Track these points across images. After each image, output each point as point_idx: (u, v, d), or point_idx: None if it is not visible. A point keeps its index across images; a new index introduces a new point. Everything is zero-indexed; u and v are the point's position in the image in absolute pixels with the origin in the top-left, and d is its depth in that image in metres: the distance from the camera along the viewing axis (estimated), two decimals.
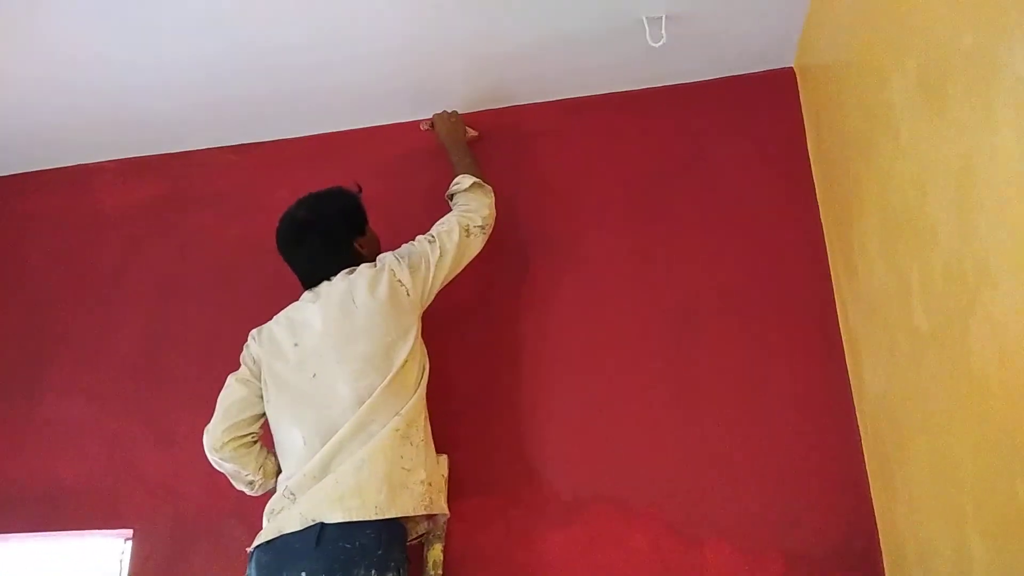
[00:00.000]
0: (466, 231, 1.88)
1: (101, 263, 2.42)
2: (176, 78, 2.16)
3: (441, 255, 1.84)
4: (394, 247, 1.97)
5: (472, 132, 2.22)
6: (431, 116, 2.21)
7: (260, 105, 2.30)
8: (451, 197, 2.00)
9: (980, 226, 1.10)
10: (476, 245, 1.90)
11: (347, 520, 1.56)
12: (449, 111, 2.19)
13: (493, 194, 1.98)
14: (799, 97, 2.17)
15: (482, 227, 1.91)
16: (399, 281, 1.78)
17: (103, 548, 2.18)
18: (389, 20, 1.97)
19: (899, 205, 1.42)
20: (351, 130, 2.40)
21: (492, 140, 2.26)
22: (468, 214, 1.90)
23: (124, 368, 2.28)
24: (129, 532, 2.12)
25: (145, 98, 2.25)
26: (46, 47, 2.03)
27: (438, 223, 1.91)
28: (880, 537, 1.73)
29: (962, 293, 1.18)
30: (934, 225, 1.26)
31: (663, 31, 1.97)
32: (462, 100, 2.28)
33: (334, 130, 2.41)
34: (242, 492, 1.87)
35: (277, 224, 1.94)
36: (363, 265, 1.83)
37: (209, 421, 1.86)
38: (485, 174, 2.04)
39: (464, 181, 1.97)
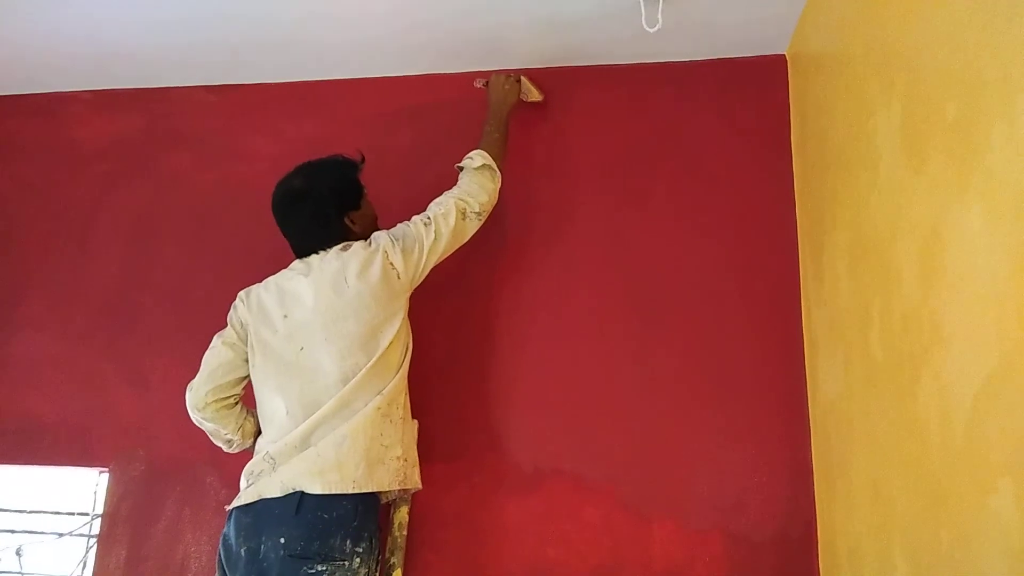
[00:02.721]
0: (462, 215, 1.88)
1: (75, 198, 2.40)
2: (158, 14, 2.08)
3: (436, 239, 1.85)
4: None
5: (536, 96, 2.18)
6: (487, 76, 2.16)
7: (244, 48, 2.24)
8: (460, 169, 1.98)
9: (940, 288, 1.16)
10: (471, 229, 1.91)
11: (326, 492, 1.64)
12: (509, 75, 2.14)
13: (500, 180, 1.96)
14: (788, 86, 2.17)
15: (479, 213, 1.91)
16: (391, 264, 1.80)
17: (78, 479, 2.25)
18: None
19: (871, 236, 1.47)
20: (336, 80, 2.37)
21: (477, 103, 2.24)
22: (467, 198, 1.90)
23: (99, 307, 2.30)
24: (104, 467, 2.18)
25: (124, 31, 2.17)
26: None
27: (436, 203, 1.91)
28: (818, 529, 1.86)
29: (916, 343, 1.24)
30: (900, 270, 1.31)
31: (659, 15, 1.95)
32: (449, 59, 2.25)
33: (319, 78, 2.37)
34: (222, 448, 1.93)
35: (275, 187, 1.91)
36: (357, 244, 1.83)
37: (182, 368, 1.91)
38: (505, 154, 2.03)
39: (476, 160, 1.95)
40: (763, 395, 1.97)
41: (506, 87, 2.12)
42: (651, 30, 1.96)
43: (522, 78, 2.16)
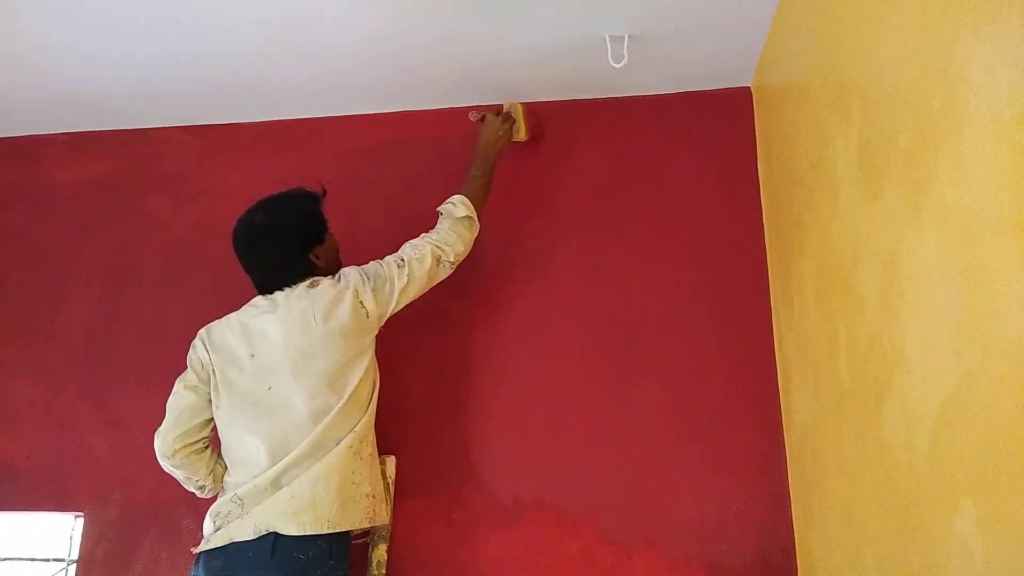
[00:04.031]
0: (437, 261, 1.89)
1: (52, 240, 2.41)
2: (133, 56, 2.11)
3: (408, 282, 1.85)
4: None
5: (521, 135, 2.17)
6: (486, 110, 2.16)
7: (219, 88, 2.27)
8: (440, 213, 1.98)
9: (900, 313, 1.18)
10: (443, 275, 1.92)
11: (302, 534, 1.63)
12: (508, 110, 2.14)
13: (477, 230, 1.97)
14: (754, 117, 2.22)
15: (452, 262, 1.92)
16: (360, 303, 1.80)
17: (54, 524, 2.22)
18: (354, 16, 1.94)
19: (834, 263, 1.50)
20: (310, 119, 2.39)
21: (448, 139, 2.27)
22: (444, 247, 1.90)
23: (74, 349, 2.29)
24: (79, 512, 2.16)
25: (100, 74, 2.20)
26: None
27: (411, 245, 1.90)
28: (797, 556, 1.86)
29: (881, 367, 1.26)
30: (862, 296, 1.34)
31: (625, 51, 1.99)
32: (420, 96, 2.29)
33: (293, 117, 2.40)
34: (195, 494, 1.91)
35: (236, 222, 1.92)
36: (325, 280, 1.83)
37: (158, 410, 1.89)
38: (487, 197, 2.04)
39: (459, 209, 1.95)
40: (739, 422, 1.99)
41: (500, 132, 2.11)
42: (617, 66, 2.00)
43: (515, 115, 2.16)
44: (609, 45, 1.99)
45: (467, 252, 1.95)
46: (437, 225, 1.95)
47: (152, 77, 2.20)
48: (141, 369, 2.24)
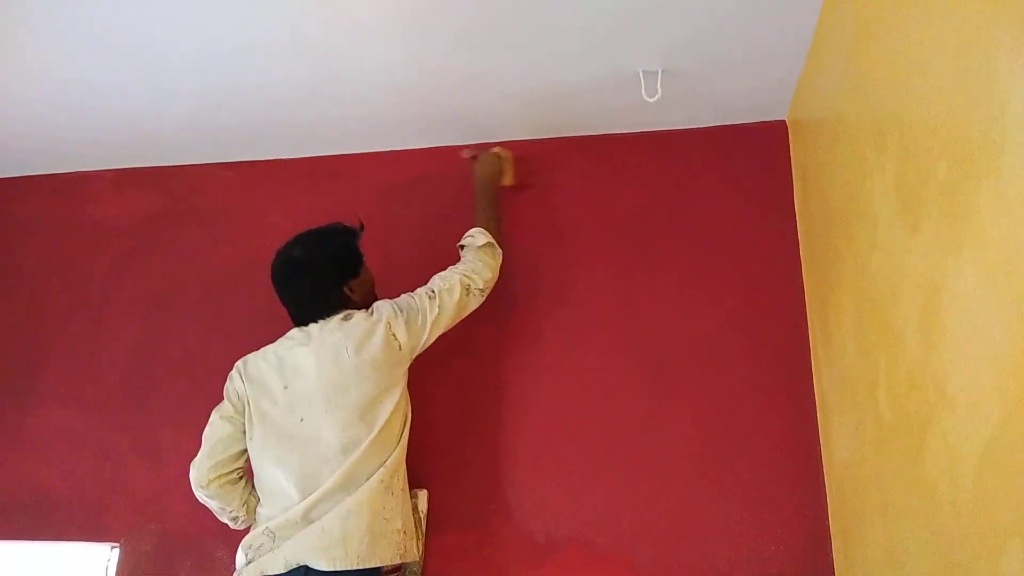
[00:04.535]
0: (467, 291, 1.91)
1: (94, 274, 2.46)
2: (176, 102, 2.18)
3: (440, 312, 1.86)
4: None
5: (508, 179, 2.19)
6: (478, 149, 2.20)
7: (259, 128, 2.32)
8: (461, 247, 2.02)
9: (942, 349, 1.15)
10: (473, 304, 1.94)
11: (332, 569, 1.62)
12: (499, 153, 2.18)
13: (501, 257, 2.00)
14: (790, 150, 2.21)
15: (482, 290, 1.94)
16: (393, 335, 1.81)
17: (89, 554, 2.24)
18: (386, 55, 1.98)
19: (873, 296, 1.47)
20: (347, 154, 2.43)
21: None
22: (472, 275, 1.92)
23: (114, 381, 2.33)
24: (115, 543, 2.18)
25: (144, 118, 2.27)
26: (44, 67, 2.04)
27: (440, 276, 1.93)
28: None
29: (922, 403, 1.23)
30: (902, 329, 1.31)
31: (659, 86, 2.00)
32: (453, 131, 2.31)
33: (331, 153, 2.44)
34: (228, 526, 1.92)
35: (274, 255, 1.95)
36: (359, 314, 1.85)
37: (195, 442, 1.91)
38: (500, 228, 2.06)
39: (479, 238, 1.98)
40: (777, 459, 1.95)
41: (494, 165, 2.15)
42: (651, 100, 2.00)
43: (509, 159, 2.19)
44: (643, 79, 2.00)
45: (495, 279, 1.97)
46: (462, 257, 1.98)
47: (193, 114, 2.25)
48: (179, 401, 2.27)
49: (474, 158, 2.19)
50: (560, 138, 2.31)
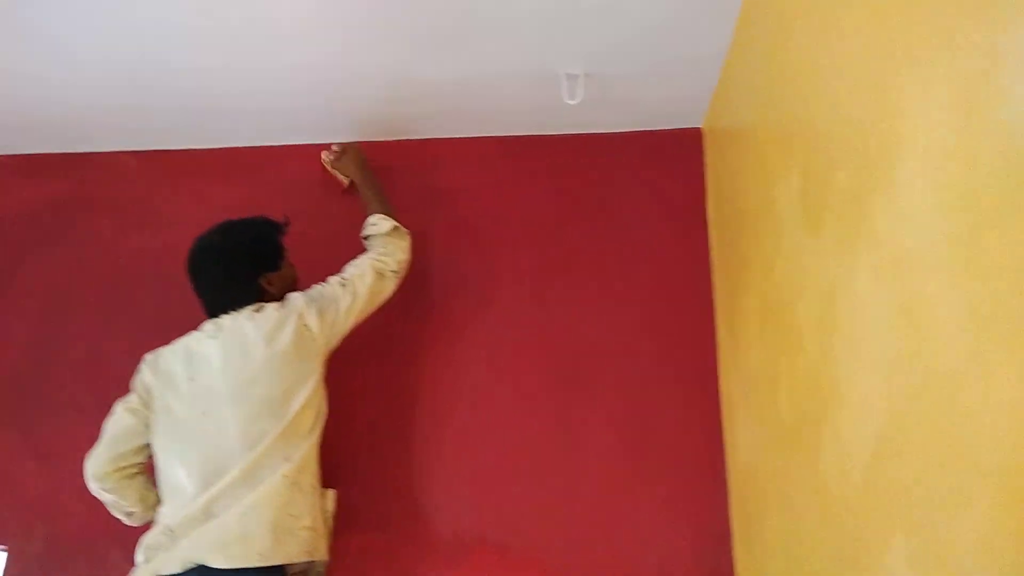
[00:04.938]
0: (380, 275, 1.89)
1: None
2: (83, 88, 2.08)
3: (353, 300, 1.84)
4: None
5: (342, 179, 2.21)
6: (335, 146, 2.18)
7: (171, 116, 2.24)
8: (367, 238, 1.99)
9: (837, 349, 1.19)
10: (389, 290, 1.92)
11: (229, 567, 1.57)
12: (344, 147, 2.17)
13: (409, 237, 1.99)
14: (704, 158, 2.26)
15: (396, 272, 1.92)
16: (306, 326, 1.78)
17: None
18: (305, 49, 1.94)
19: (776, 299, 1.52)
20: (263, 147, 2.37)
21: (402, 171, 2.27)
22: (384, 258, 1.91)
23: (5, 376, 2.20)
24: (3, 546, 2.06)
25: (49, 103, 2.16)
26: None
27: (352, 264, 1.91)
28: None
29: (818, 401, 1.27)
30: (802, 331, 1.36)
31: (580, 89, 2.02)
32: (375, 127, 2.28)
33: (246, 145, 2.37)
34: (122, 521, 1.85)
35: (192, 243, 1.89)
36: (271, 305, 1.80)
37: (93, 441, 1.83)
38: (395, 212, 2.05)
39: (383, 224, 1.96)
40: (685, 460, 1.99)
41: (361, 154, 2.16)
42: (572, 103, 2.02)
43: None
44: (565, 82, 2.02)
45: (408, 260, 1.96)
46: (371, 245, 1.97)
47: (101, 100, 2.16)
48: (74, 400, 2.16)
49: (336, 158, 2.18)
50: (482, 138, 2.31)
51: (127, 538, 1.94)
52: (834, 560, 1.21)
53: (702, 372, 2.05)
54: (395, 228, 1.97)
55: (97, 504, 1.89)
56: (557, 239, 2.22)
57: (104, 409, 1.92)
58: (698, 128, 2.28)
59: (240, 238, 1.87)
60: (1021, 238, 0.72)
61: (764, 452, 1.62)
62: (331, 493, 1.90)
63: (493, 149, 2.30)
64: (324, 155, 2.22)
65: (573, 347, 2.11)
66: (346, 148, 2.17)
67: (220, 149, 2.38)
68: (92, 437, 1.90)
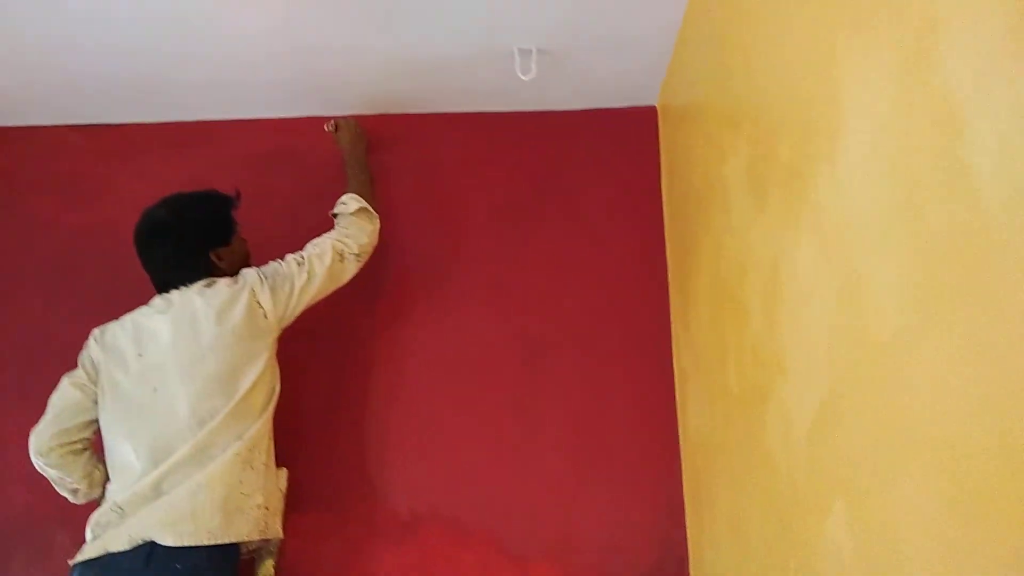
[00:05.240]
0: (340, 257, 1.85)
1: None
2: (17, 56, 2.00)
3: (308, 279, 1.80)
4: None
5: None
6: (336, 118, 2.14)
7: (112, 89, 2.17)
8: (335, 215, 1.96)
9: (781, 322, 1.21)
10: (349, 272, 1.88)
11: (178, 545, 1.55)
12: (352, 120, 2.14)
13: (378, 221, 1.95)
14: (658, 136, 2.26)
15: (357, 255, 1.88)
16: (258, 303, 1.75)
17: None
18: (252, 21, 1.89)
19: (725, 275, 1.53)
20: (208, 121, 2.31)
21: None
22: (346, 240, 1.87)
23: None
24: None
25: None
26: None
27: (312, 243, 1.87)
28: (690, 565, 1.88)
29: (764, 375, 1.29)
30: (749, 305, 1.37)
31: (533, 64, 2.00)
32: (322, 103, 2.24)
33: (189, 119, 2.31)
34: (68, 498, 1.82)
35: (139, 218, 1.85)
36: (223, 281, 1.77)
37: (35, 422, 1.79)
38: (375, 194, 2.01)
39: (351, 204, 1.93)
40: (639, 436, 2.01)
41: (357, 131, 2.13)
42: (525, 78, 2.00)
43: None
44: (518, 57, 2.00)
45: (372, 244, 1.93)
46: (336, 224, 1.93)
47: (37, 72, 2.08)
48: (16, 380, 2.10)
49: (336, 128, 2.14)
50: (436, 114, 2.29)
51: (75, 520, 1.91)
52: (777, 529, 1.23)
53: (656, 349, 2.07)
54: (363, 210, 1.93)
55: (42, 487, 1.85)
56: (512, 218, 2.21)
57: (48, 390, 1.87)
58: (653, 106, 2.29)
59: (189, 213, 1.83)
60: (957, 207, 0.73)
61: (714, 426, 1.64)
62: (282, 472, 1.88)
63: (448, 126, 2.28)
64: (326, 125, 2.17)
65: (528, 323, 2.11)
66: (340, 123, 2.13)
67: (162, 124, 2.32)
68: (35, 417, 1.86)
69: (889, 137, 0.86)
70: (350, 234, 1.89)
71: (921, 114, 0.79)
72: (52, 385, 1.82)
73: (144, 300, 1.84)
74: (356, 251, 1.88)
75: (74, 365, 1.82)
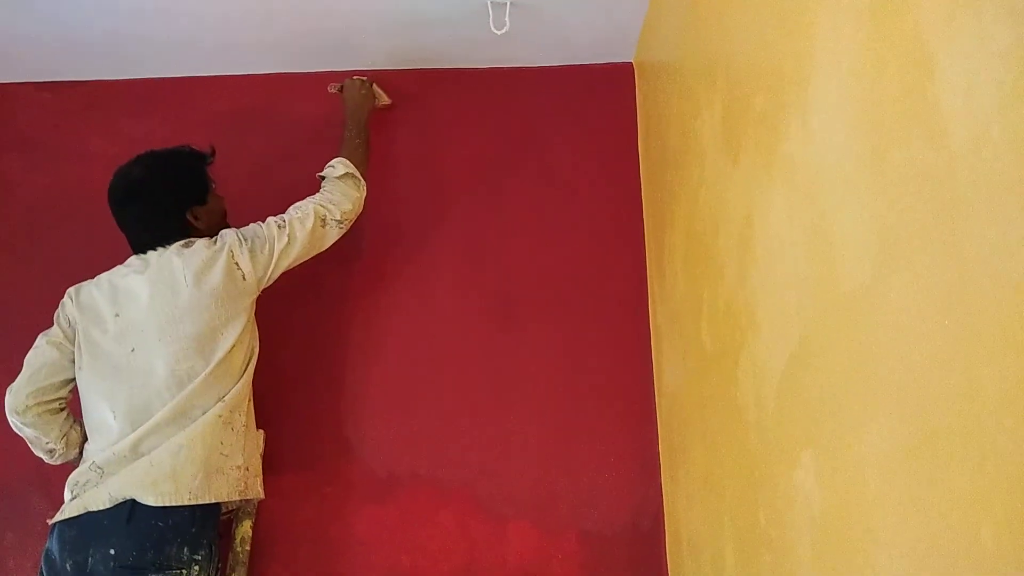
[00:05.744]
0: (322, 221, 1.81)
1: None
2: None
3: (288, 243, 1.77)
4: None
5: (385, 100, 2.14)
6: (343, 80, 2.10)
7: (79, 42, 2.11)
8: (322, 178, 1.91)
9: (753, 276, 1.20)
10: (331, 237, 1.84)
11: (159, 504, 1.55)
12: (363, 79, 2.09)
13: (364, 189, 1.91)
14: (635, 92, 2.24)
15: (339, 221, 1.84)
16: (236, 264, 1.72)
17: None
18: None
19: (700, 232, 1.52)
20: (181, 77, 2.26)
21: (322, 104, 2.18)
22: (329, 205, 1.83)
23: None
24: None
25: None
26: None
27: (295, 207, 1.83)
28: (665, 521, 1.90)
29: (736, 329, 1.29)
30: (722, 260, 1.36)
31: (507, 18, 1.97)
32: (291, 58, 2.20)
33: (162, 75, 2.26)
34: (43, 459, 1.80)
35: (112, 177, 1.81)
36: (201, 241, 1.74)
37: (7, 382, 1.77)
38: (368, 159, 1.98)
39: (338, 168, 1.88)
40: (615, 392, 2.01)
41: (362, 92, 2.08)
42: (499, 32, 1.97)
43: (372, 83, 2.13)
44: (491, 11, 1.96)
45: (356, 211, 1.89)
46: (321, 187, 1.89)
47: (3, 28, 2.02)
48: None
49: (340, 89, 2.10)
50: (412, 70, 2.24)
51: (48, 480, 1.91)
52: (747, 482, 1.24)
53: (633, 306, 2.06)
54: (348, 175, 1.88)
55: (14, 446, 1.83)
56: (490, 174, 2.18)
57: (20, 354, 1.84)
58: (629, 63, 2.26)
59: (163, 171, 1.78)
60: (923, 155, 0.72)
61: (687, 382, 1.65)
62: (259, 434, 1.87)
63: (424, 82, 2.24)
64: (330, 87, 2.12)
65: (505, 282, 2.10)
66: (347, 82, 2.09)
67: (135, 80, 2.27)
68: (7, 380, 1.83)
69: (859, 82, 0.85)
70: (334, 200, 1.85)
71: (892, 55, 0.78)
72: (23, 347, 1.80)
73: (117, 260, 1.81)
74: (339, 217, 1.84)
75: (46, 326, 1.79)
